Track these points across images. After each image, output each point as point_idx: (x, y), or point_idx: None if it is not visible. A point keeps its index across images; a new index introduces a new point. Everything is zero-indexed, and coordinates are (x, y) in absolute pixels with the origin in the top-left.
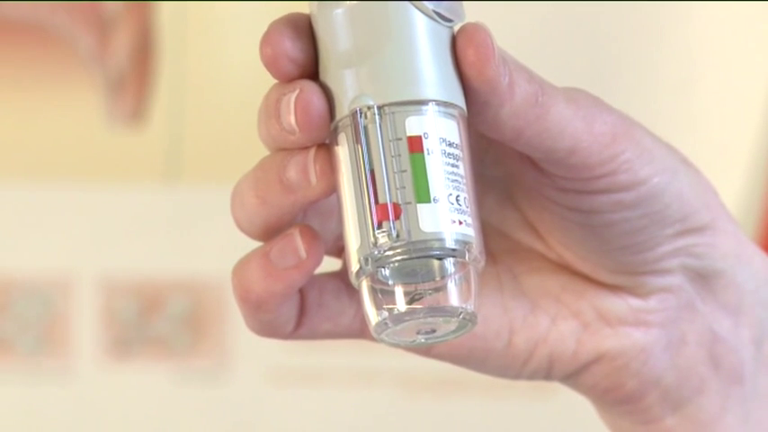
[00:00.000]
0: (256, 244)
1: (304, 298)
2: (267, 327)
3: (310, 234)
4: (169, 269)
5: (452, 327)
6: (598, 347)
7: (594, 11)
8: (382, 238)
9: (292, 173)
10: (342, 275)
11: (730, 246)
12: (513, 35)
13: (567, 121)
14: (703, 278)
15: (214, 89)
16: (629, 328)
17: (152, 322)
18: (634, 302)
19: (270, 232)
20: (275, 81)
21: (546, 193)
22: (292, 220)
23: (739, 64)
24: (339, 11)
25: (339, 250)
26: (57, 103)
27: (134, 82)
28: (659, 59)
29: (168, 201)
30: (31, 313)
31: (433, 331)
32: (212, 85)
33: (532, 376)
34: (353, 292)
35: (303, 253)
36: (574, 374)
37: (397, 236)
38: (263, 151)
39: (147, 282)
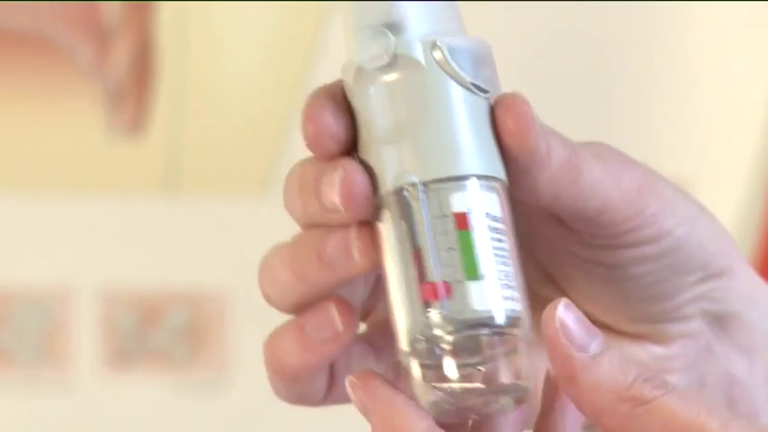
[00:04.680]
0: (257, 260)
1: (333, 365)
2: (300, 397)
3: (346, 307)
4: (169, 280)
5: (505, 402)
6: None
7: (593, 18)
8: (433, 318)
9: (333, 250)
10: (368, 338)
11: (745, 287)
12: (512, 43)
13: (598, 180)
14: (720, 321)
15: (213, 100)
16: None
17: (152, 333)
18: (655, 350)
19: (304, 306)
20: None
21: (570, 249)
22: (328, 295)
23: (738, 70)
24: (377, 85)
25: (365, 314)
26: (56, 115)
27: (133, 93)
28: (658, 67)
29: (167, 212)
30: (30, 324)
31: (486, 406)
32: (211, 96)
33: None
34: (380, 354)
35: (340, 326)
36: (594, 424)
37: (448, 315)
38: (261, 164)
39: (147, 293)
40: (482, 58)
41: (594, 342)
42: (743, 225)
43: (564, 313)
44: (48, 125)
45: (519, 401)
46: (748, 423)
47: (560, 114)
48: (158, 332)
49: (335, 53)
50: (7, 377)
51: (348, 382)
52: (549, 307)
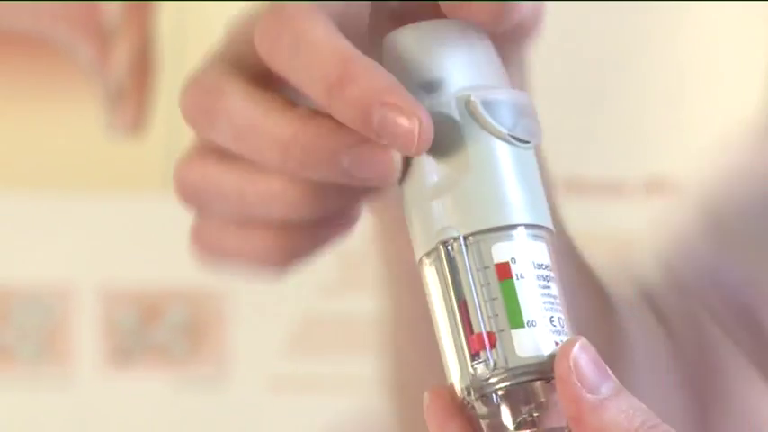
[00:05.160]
0: None
1: None
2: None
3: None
4: (168, 278)
5: None
6: None
7: (586, 19)
8: (480, 369)
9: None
10: None
11: None
12: None
13: None
14: None
15: None
16: None
17: (152, 330)
18: None
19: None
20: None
21: None
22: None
23: (731, 72)
24: None
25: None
26: (57, 114)
27: (134, 93)
28: (650, 68)
29: (167, 210)
30: (31, 322)
31: None
32: None
33: None
34: None
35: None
36: None
37: (495, 364)
38: None
39: (147, 291)
40: (520, 110)
41: (605, 386)
42: None
43: (579, 353)
44: (48, 124)
45: None
46: None
47: (554, 115)
48: (158, 329)
49: None
50: (9, 374)
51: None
52: (565, 343)
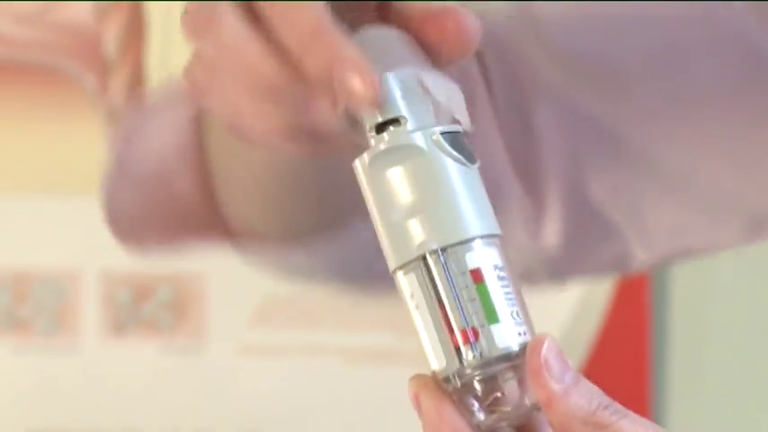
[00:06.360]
0: (227, 249)
1: None
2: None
3: None
4: (158, 264)
5: (522, 414)
6: None
7: None
8: (468, 358)
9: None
10: None
11: None
12: None
13: None
14: None
15: None
16: None
17: (143, 307)
18: None
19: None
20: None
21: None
22: None
23: None
24: (390, 173)
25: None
26: (67, 130)
27: None
28: None
29: None
30: (46, 299)
31: (511, 423)
32: None
33: None
34: None
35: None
36: None
37: (478, 355)
38: None
39: (140, 274)
40: (468, 137)
41: (568, 375)
42: None
43: (547, 350)
44: (59, 139)
45: (533, 412)
46: None
47: None
48: (149, 306)
49: None
50: (27, 343)
51: (408, 383)
52: (535, 341)
